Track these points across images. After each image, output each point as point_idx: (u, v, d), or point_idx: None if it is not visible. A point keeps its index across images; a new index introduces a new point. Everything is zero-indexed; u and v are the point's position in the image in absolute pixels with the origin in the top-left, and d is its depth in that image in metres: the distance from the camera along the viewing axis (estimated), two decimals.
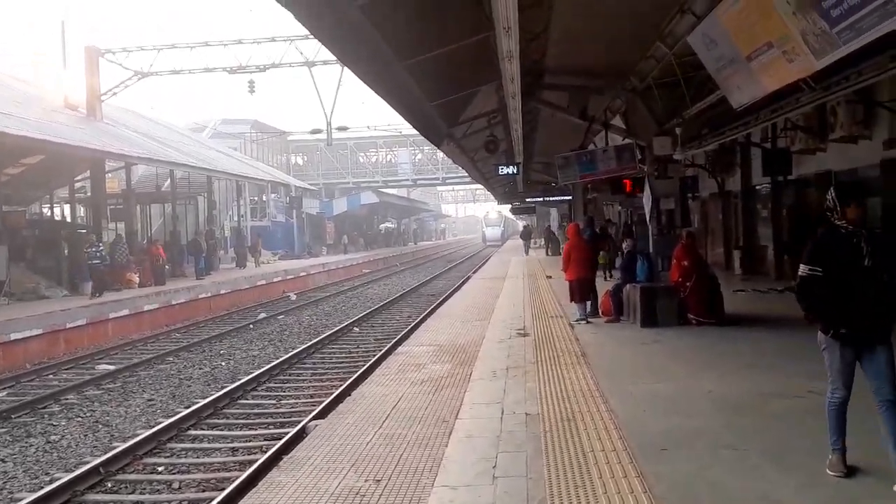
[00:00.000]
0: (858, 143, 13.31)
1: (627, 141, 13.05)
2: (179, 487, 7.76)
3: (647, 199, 12.59)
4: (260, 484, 5.68)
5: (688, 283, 11.51)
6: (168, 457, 8.81)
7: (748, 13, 6.73)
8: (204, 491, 7.58)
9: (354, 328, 18.46)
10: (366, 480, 5.43)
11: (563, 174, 13.41)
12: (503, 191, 41.26)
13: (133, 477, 8.11)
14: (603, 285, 13.60)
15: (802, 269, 4.83)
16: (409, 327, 16.97)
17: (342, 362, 14.14)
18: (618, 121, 14.18)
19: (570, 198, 27.93)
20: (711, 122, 13.40)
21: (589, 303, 12.57)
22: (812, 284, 4.79)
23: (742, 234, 20.64)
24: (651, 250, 12.56)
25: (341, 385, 11.45)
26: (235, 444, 9.19)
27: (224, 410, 10.80)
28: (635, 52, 11.03)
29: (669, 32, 9.64)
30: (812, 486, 4.69)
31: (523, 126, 14.07)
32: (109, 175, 28.61)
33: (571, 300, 12.84)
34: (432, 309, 19.95)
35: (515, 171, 19.37)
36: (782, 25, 6.15)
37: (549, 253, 35.73)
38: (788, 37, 6.16)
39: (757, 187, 19.38)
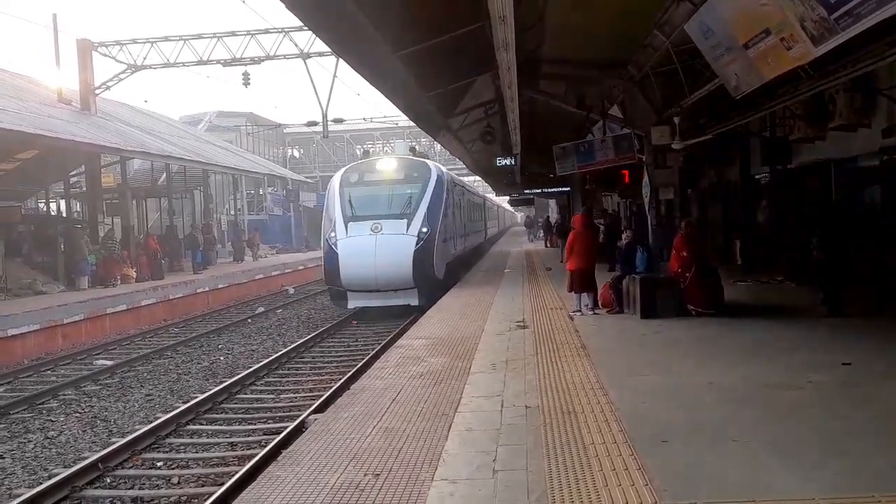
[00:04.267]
0: (857, 131, 13.25)
1: (626, 131, 12.98)
2: (178, 482, 7.73)
3: (645, 189, 12.53)
4: (259, 478, 5.64)
5: (687, 274, 11.46)
6: (167, 452, 8.76)
7: None
8: (203, 486, 7.54)
9: (353, 321, 18.40)
10: (365, 474, 5.39)
11: (560, 165, 13.36)
12: (502, 182, 41.13)
13: (132, 472, 8.07)
14: (602, 276, 13.53)
15: None
16: (409, 320, 16.91)
17: (341, 356, 14.09)
18: (615, 110, 14.10)
19: (568, 189, 27.84)
20: (710, 111, 13.33)
21: (589, 294, 12.53)
22: None
23: (742, 224, 20.55)
24: (650, 241, 12.51)
25: (340, 379, 11.40)
26: (234, 439, 9.15)
27: (223, 405, 10.75)
28: (632, 41, 10.95)
29: (666, 21, 9.55)
30: (811, 479, 4.65)
31: (520, 117, 13.98)
32: (104, 169, 28.52)
33: (569, 290, 12.80)
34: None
35: (513, 163, 19.25)
36: (780, 11, 6.08)
37: (548, 245, 35.64)
38: (786, 23, 6.08)
39: (756, 177, 19.29)
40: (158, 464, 8.33)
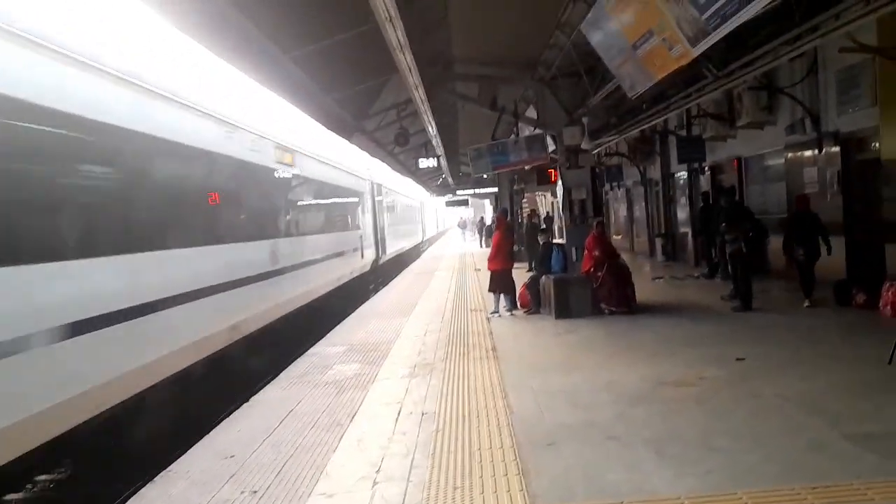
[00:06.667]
0: (764, 128, 13.60)
1: (538, 131, 13.03)
2: None
3: (559, 190, 12.60)
4: (130, 501, 5.39)
5: (599, 273, 11.55)
6: None
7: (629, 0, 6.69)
8: None
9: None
10: (242, 492, 5.19)
11: (475, 165, 13.31)
12: (435, 184, 41.07)
13: None
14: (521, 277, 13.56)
15: None
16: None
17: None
18: (532, 111, 14.16)
19: (496, 190, 27.97)
20: (622, 111, 13.50)
21: (507, 295, 12.52)
22: None
23: (663, 221, 20.95)
24: (564, 241, 12.58)
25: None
26: None
27: None
28: (538, 41, 10.96)
29: (566, 21, 9.59)
30: (684, 476, 4.66)
31: (438, 117, 13.91)
32: None
33: (490, 290, 12.77)
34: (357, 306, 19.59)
35: (436, 164, 19.14)
36: (659, 12, 6.12)
37: (483, 246, 35.74)
38: (666, 24, 6.13)
39: (675, 175, 19.68)
40: None
